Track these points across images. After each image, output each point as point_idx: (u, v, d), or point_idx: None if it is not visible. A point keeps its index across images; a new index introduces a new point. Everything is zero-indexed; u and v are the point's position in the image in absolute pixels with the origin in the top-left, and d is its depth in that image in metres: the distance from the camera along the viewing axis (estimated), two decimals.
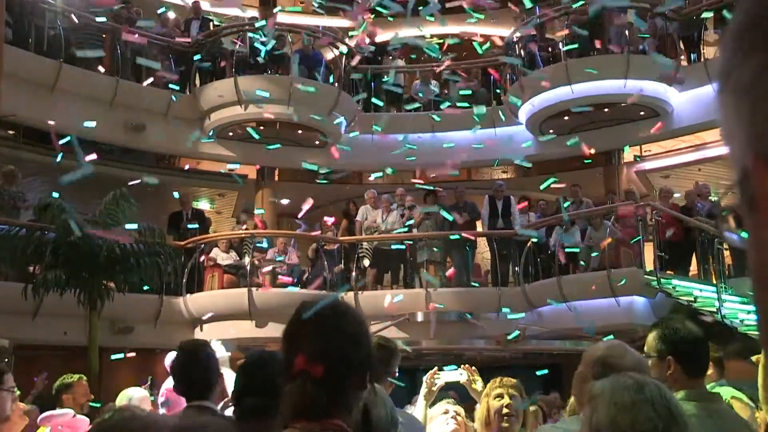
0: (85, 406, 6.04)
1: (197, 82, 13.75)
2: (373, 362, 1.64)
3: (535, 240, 11.52)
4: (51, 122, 9.79)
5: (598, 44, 12.13)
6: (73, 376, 6.07)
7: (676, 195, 12.48)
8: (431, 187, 12.58)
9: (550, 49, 13.42)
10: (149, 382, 7.56)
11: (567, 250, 11.06)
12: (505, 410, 3.29)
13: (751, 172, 0.41)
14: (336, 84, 13.57)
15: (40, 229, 9.74)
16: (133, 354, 9.93)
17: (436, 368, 3.94)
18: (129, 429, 0.89)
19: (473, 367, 3.92)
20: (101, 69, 11.29)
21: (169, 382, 5.50)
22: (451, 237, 12.15)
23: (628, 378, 1.80)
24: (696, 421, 2.10)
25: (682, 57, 12.94)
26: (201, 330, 11.95)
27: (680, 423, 1.71)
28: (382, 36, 14.13)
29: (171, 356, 6.07)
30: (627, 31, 12.43)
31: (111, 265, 9.54)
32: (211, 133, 13.44)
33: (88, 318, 9.63)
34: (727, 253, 10.95)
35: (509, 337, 10.36)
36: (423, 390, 3.87)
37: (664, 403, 1.72)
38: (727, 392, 3.43)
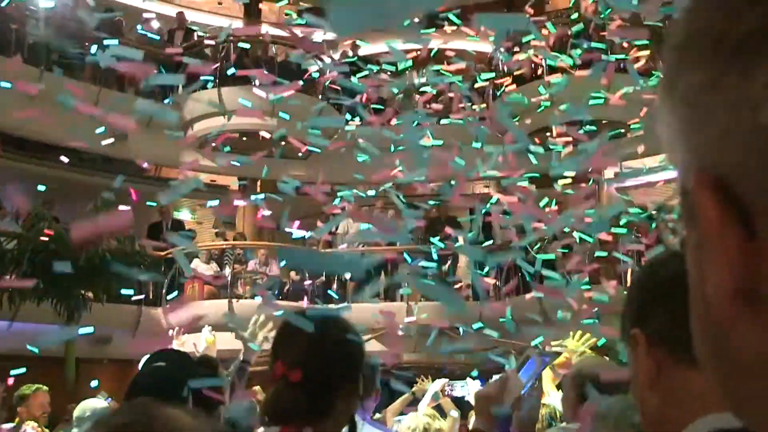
0: (41, 418, 5.76)
1: (180, 91, 13.71)
2: (361, 373, 1.65)
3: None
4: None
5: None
6: (30, 387, 5.75)
7: (652, 212, 12.58)
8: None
9: (533, 66, 13.51)
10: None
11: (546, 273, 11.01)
12: None
13: (693, 190, 0.41)
14: (320, 96, 13.59)
15: (19, 237, 9.67)
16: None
17: (447, 380, 4.12)
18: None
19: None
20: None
21: None
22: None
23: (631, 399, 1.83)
24: None
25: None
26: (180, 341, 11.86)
27: None
28: (364, 49, 14.18)
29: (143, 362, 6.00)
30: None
31: (90, 274, 9.47)
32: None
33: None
34: None
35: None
36: (428, 397, 4.02)
37: None
38: None
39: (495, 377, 2.09)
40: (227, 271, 12.35)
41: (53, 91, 12.14)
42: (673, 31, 0.44)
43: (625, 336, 0.95)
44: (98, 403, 5.35)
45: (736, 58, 0.39)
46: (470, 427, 3.65)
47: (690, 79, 0.42)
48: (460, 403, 5.05)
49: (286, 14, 17.43)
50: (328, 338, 1.63)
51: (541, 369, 2.06)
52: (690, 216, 0.43)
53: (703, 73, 0.41)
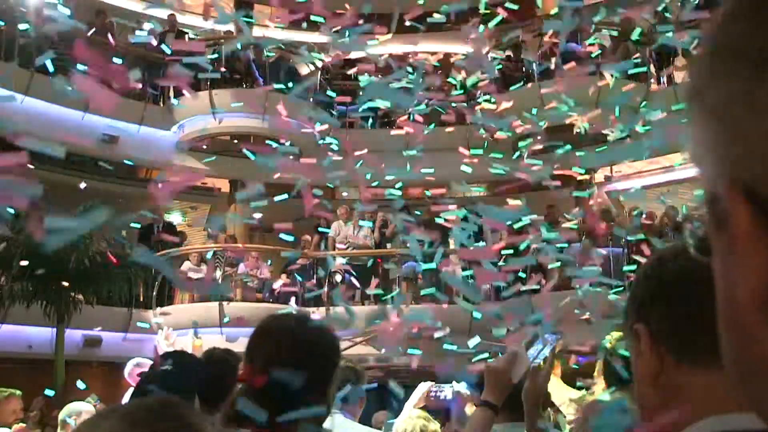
0: (14, 424, 5.75)
1: (171, 94, 13.68)
2: (330, 379, 1.63)
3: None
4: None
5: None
6: (4, 392, 5.74)
7: (642, 215, 12.64)
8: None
9: (524, 69, 13.55)
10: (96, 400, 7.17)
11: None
12: None
13: (725, 198, 0.42)
14: (311, 99, 13.58)
15: (8, 240, 9.61)
16: None
17: (432, 383, 4.16)
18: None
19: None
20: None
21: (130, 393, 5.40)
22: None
23: None
24: None
25: (652, 80, 13.17)
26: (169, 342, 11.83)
27: None
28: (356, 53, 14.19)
29: (130, 366, 5.98)
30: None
31: (80, 277, 9.42)
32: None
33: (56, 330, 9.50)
34: None
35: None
36: (414, 399, 4.06)
37: None
38: None
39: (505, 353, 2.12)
40: (218, 273, 12.32)
41: (43, 93, 12.10)
42: (704, 41, 0.45)
43: (628, 329, 0.94)
44: (84, 406, 5.32)
45: (766, 70, 0.40)
46: (459, 427, 3.67)
47: (720, 90, 0.42)
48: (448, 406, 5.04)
49: (277, 16, 17.43)
50: (298, 345, 1.61)
51: (548, 347, 2.09)
52: (718, 223, 0.44)
53: (733, 84, 0.41)
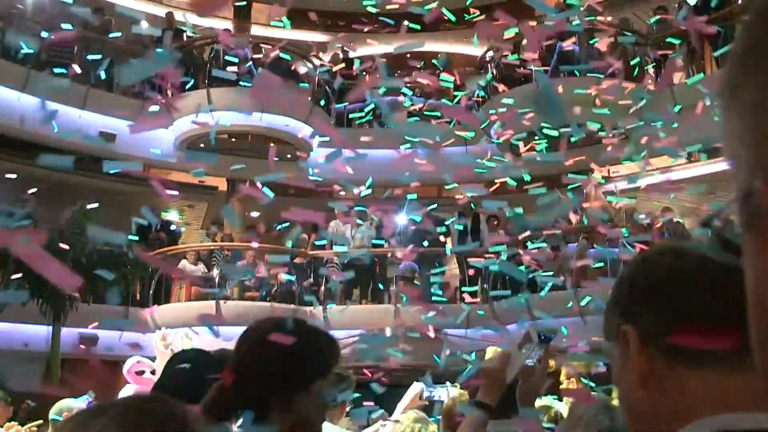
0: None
1: (169, 92, 13.65)
2: (296, 388, 1.61)
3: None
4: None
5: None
6: None
7: (640, 216, 12.64)
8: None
9: (523, 68, 13.53)
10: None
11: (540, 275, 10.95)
12: None
13: (760, 195, 0.41)
14: (309, 98, 13.58)
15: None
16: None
17: (423, 386, 4.13)
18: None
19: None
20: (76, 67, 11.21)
21: (127, 390, 5.39)
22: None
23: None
24: None
25: (650, 81, 13.17)
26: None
27: None
28: (355, 52, 14.20)
29: (130, 363, 5.97)
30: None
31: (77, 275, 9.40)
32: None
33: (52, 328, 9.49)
34: None
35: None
36: (406, 400, 4.03)
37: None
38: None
39: (498, 352, 2.12)
40: (215, 272, 12.32)
41: (41, 91, 12.05)
42: (738, 39, 0.45)
43: (612, 332, 0.91)
44: (75, 402, 5.31)
45: None
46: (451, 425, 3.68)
47: (753, 87, 0.42)
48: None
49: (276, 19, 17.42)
50: (273, 348, 1.58)
51: (541, 346, 2.08)
52: (752, 220, 0.43)
53: (764, 82, 0.41)
